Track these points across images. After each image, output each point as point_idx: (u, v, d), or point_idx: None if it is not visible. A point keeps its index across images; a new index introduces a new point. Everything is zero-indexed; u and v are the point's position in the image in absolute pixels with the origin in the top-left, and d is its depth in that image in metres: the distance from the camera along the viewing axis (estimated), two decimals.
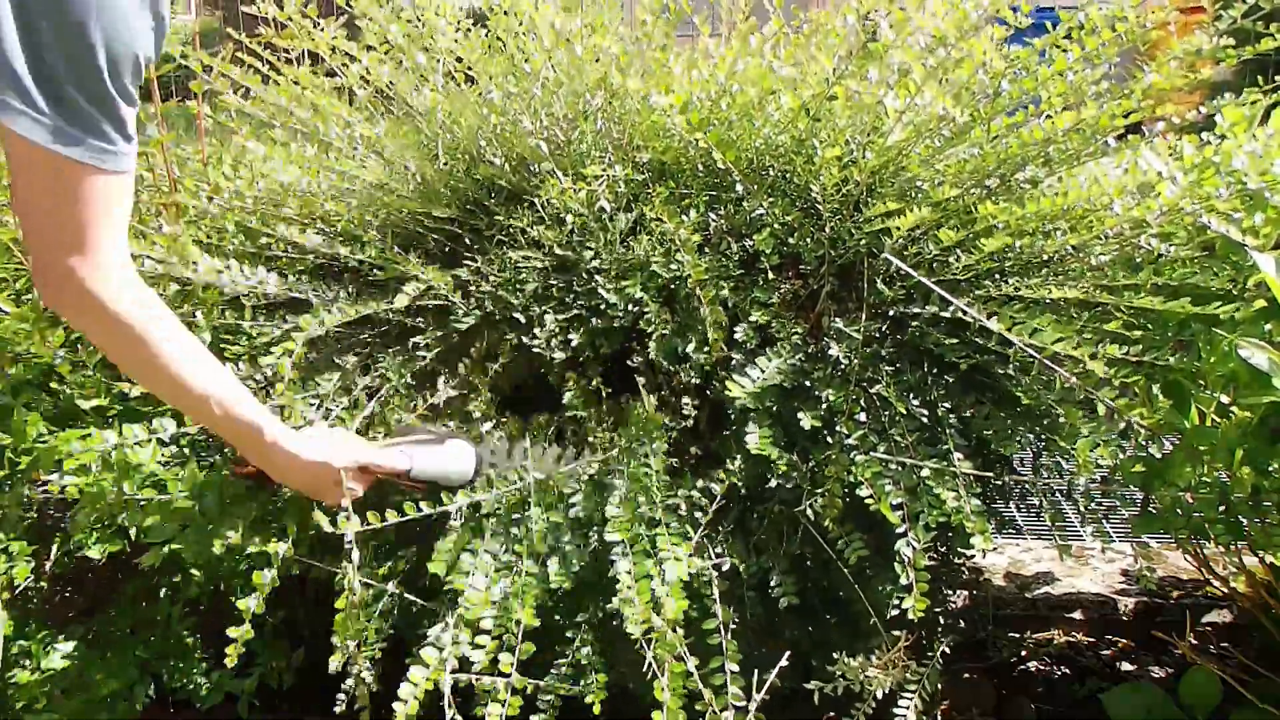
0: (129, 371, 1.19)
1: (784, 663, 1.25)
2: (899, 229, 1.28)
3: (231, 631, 1.24)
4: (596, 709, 1.24)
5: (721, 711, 1.15)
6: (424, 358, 1.46)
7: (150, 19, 0.94)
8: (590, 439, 1.36)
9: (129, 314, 1.01)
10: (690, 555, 1.25)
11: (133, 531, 1.51)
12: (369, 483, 1.25)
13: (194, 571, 1.55)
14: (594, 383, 1.39)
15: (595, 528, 1.29)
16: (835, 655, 1.31)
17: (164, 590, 1.61)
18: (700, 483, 1.34)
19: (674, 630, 1.16)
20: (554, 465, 1.34)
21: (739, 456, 1.32)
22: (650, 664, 1.15)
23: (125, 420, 1.48)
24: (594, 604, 1.33)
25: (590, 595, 1.33)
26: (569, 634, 1.32)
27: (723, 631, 1.22)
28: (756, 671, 1.22)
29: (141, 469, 1.37)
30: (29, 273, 1.66)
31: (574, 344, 1.38)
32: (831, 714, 1.42)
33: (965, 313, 1.26)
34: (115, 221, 0.98)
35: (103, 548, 1.51)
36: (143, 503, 1.37)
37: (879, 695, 1.28)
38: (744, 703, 1.17)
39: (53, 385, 1.57)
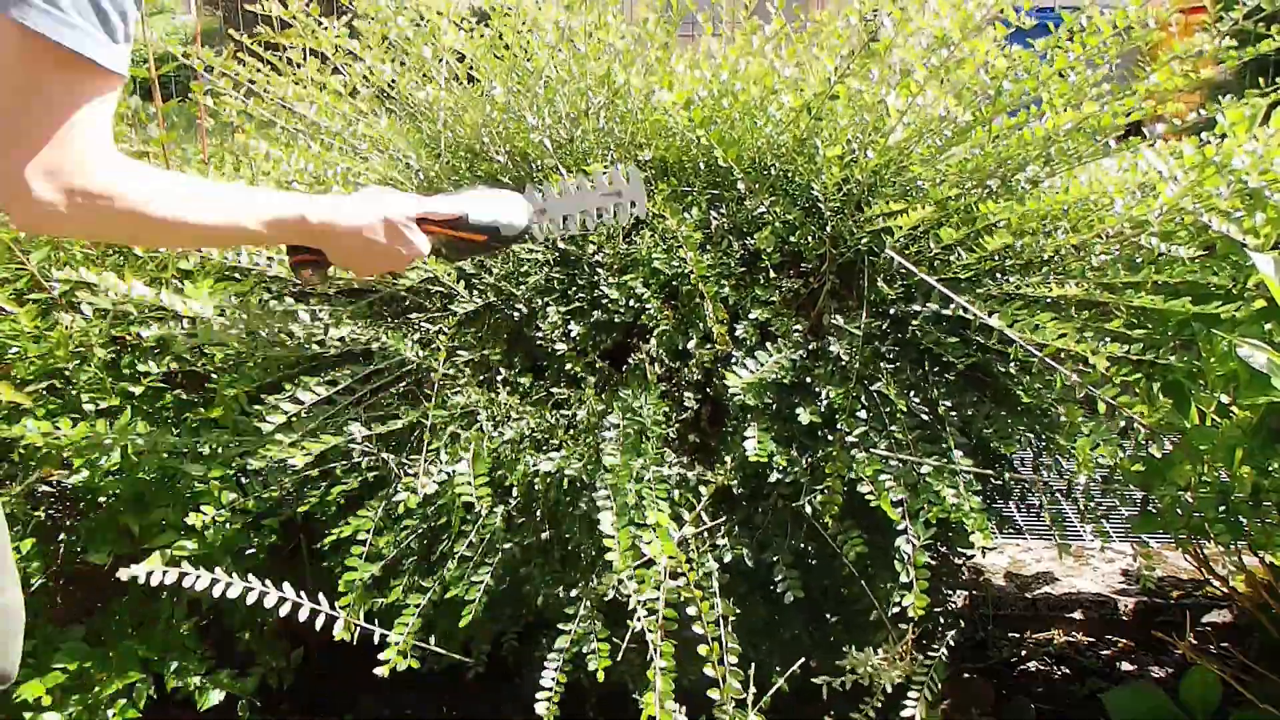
0: (147, 242, 1.13)
1: (784, 662, 1.25)
2: (900, 227, 1.28)
3: None
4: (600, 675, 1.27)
5: (723, 707, 1.16)
6: (427, 329, 1.46)
7: None
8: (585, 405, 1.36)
9: (113, 191, 0.94)
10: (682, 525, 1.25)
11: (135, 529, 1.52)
12: (433, 237, 1.18)
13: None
14: (595, 363, 1.39)
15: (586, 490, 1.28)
16: (837, 653, 1.31)
17: (165, 590, 1.61)
18: (698, 469, 1.34)
19: (658, 587, 1.16)
20: (595, 194, 1.27)
21: (736, 453, 1.32)
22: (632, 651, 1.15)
23: (132, 418, 1.48)
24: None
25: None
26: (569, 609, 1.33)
27: (723, 624, 1.22)
28: (755, 668, 1.22)
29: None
30: (29, 273, 1.66)
31: (575, 335, 1.39)
32: (831, 715, 1.42)
33: (967, 310, 1.26)
34: (103, 122, 0.93)
35: (107, 550, 1.52)
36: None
37: (887, 690, 1.28)
38: (744, 696, 1.17)
39: (58, 384, 1.57)
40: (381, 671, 1.30)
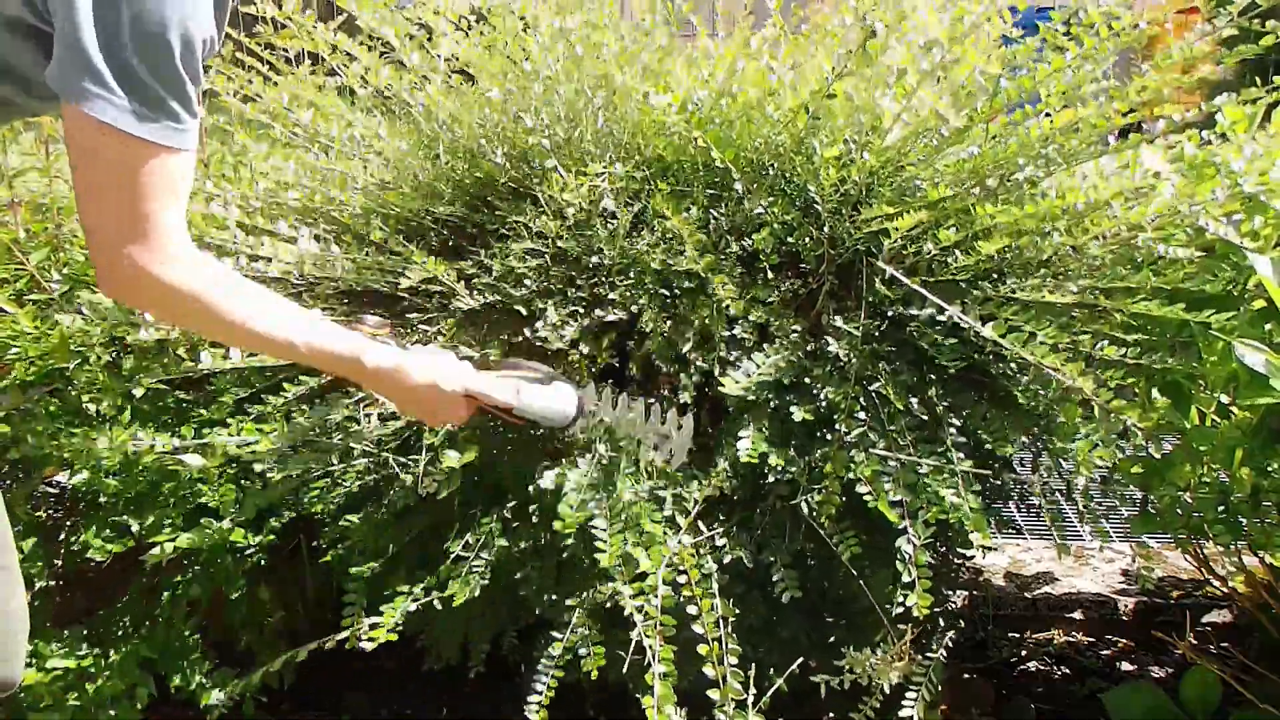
0: (210, 338, 1.19)
1: (783, 662, 1.25)
2: (896, 230, 1.28)
3: None
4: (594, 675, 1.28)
5: (724, 708, 1.16)
6: (425, 330, 1.46)
7: (220, 5, 0.95)
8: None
9: (192, 287, 1.00)
10: (680, 535, 1.25)
11: (135, 527, 1.52)
12: (473, 409, 1.23)
13: (196, 570, 1.55)
14: (596, 357, 1.40)
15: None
16: (836, 654, 1.31)
17: (166, 590, 1.61)
18: (695, 483, 1.35)
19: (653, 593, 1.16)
20: (646, 424, 1.34)
21: (731, 454, 1.32)
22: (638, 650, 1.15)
23: (133, 421, 1.48)
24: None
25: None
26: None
27: (723, 625, 1.22)
28: (754, 668, 1.22)
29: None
30: (29, 273, 1.67)
31: (572, 337, 1.39)
32: (831, 715, 1.42)
33: (961, 319, 1.26)
34: (179, 201, 0.98)
35: (106, 549, 1.52)
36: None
37: (885, 690, 1.28)
38: (744, 696, 1.17)
39: (59, 385, 1.58)
40: (367, 647, 1.32)
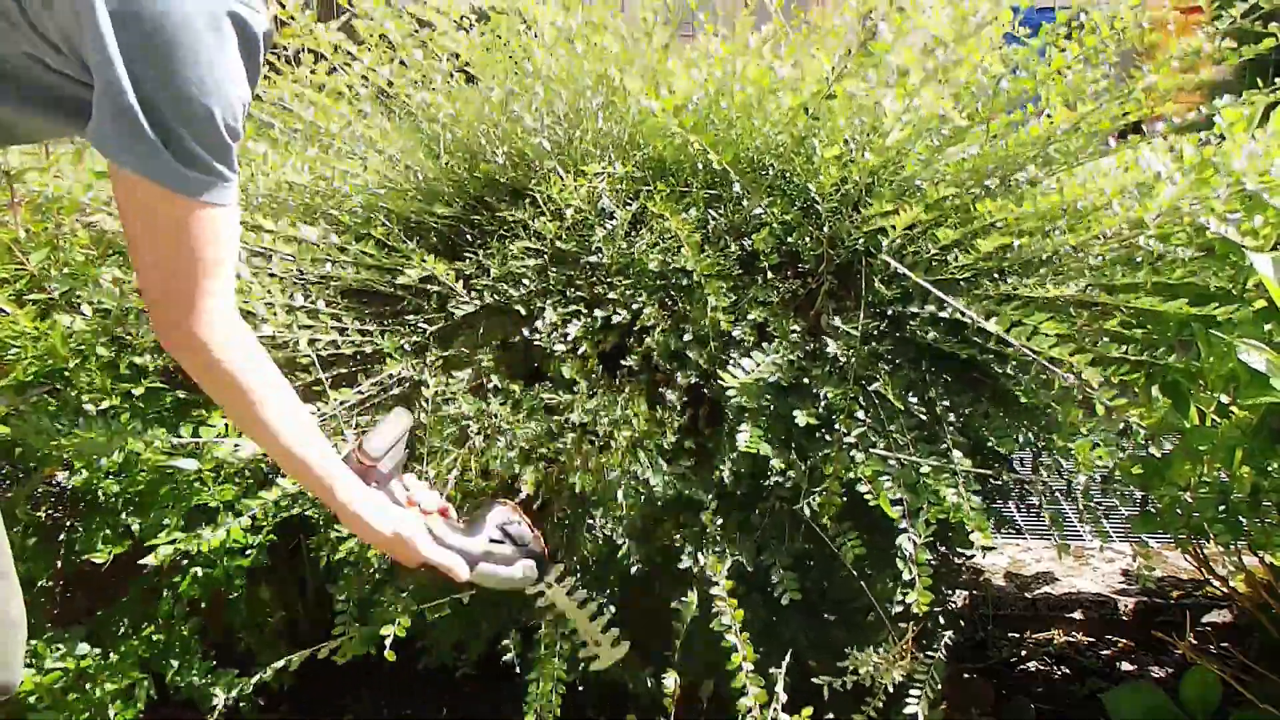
0: (226, 412, 1.22)
1: (786, 662, 1.25)
2: (895, 228, 1.28)
3: None
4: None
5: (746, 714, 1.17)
6: (423, 330, 1.46)
7: (254, 63, 0.96)
8: (573, 414, 1.37)
9: (233, 365, 1.03)
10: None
11: (134, 527, 1.52)
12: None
13: (195, 571, 1.55)
14: (589, 363, 1.40)
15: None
16: (836, 654, 1.31)
17: (166, 590, 1.61)
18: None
19: None
20: (590, 623, 1.37)
21: (733, 454, 1.32)
22: None
23: (132, 420, 1.48)
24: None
25: None
26: None
27: (736, 630, 1.23)
28: (755, 669, 1.22)
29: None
30: (29, 273, 1.67)
31: (572, 336, 1.39)
32: (830, 716, 1.42)
33: (963, 314, 1.26)
34: (225, 257, 1.00)
35: (107, 550, 1.52)
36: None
37: (889, 689, 1.28)
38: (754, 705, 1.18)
39: (57, 385, 1.58)
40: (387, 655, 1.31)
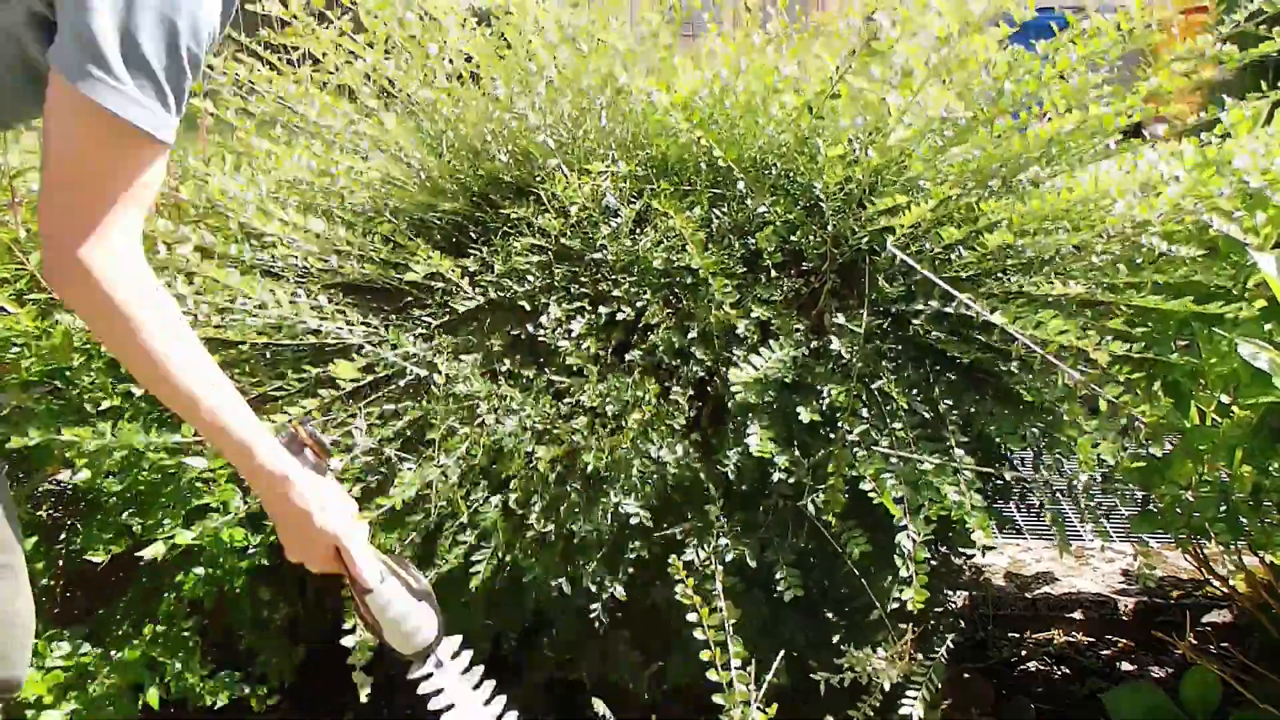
0: (120, 357, 1.06)
1: (784, 661, 1.25)
2: (902, 225, 1.29)
3: None
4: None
5: (730, 712, 1.16)
6: (428, 324, 1.47)
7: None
8: (583, 396, 1.37)
9: (124, 294, 0.94)
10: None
11: (135, 528, 1.51)
12: (330, 566, 1.12)
13: (196, 570, 1.55)
14: (598, 355, 1.40)
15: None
16: (836, 652, 1.31)
17: (166, 590, 1.61)
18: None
19: None
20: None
21: (738, 450, 1.33)
22: None
23: (133, 419, 1.48)
24: None
25: None
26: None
27: (727, 628, 1.22)
28: (754, 665, 1.22)
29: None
30: (29, 273, 1.66)
31: (577, 333, 1.39)
32: (831, 715, 1.42)
33: (969, 307, 1.26)
34: (146, 197, 0.95)
35: (107, 549, 1.51)
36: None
37: (885, 688, 1.28)
38: (749, 700, 1.18)
39: (59, 384, 1.57)
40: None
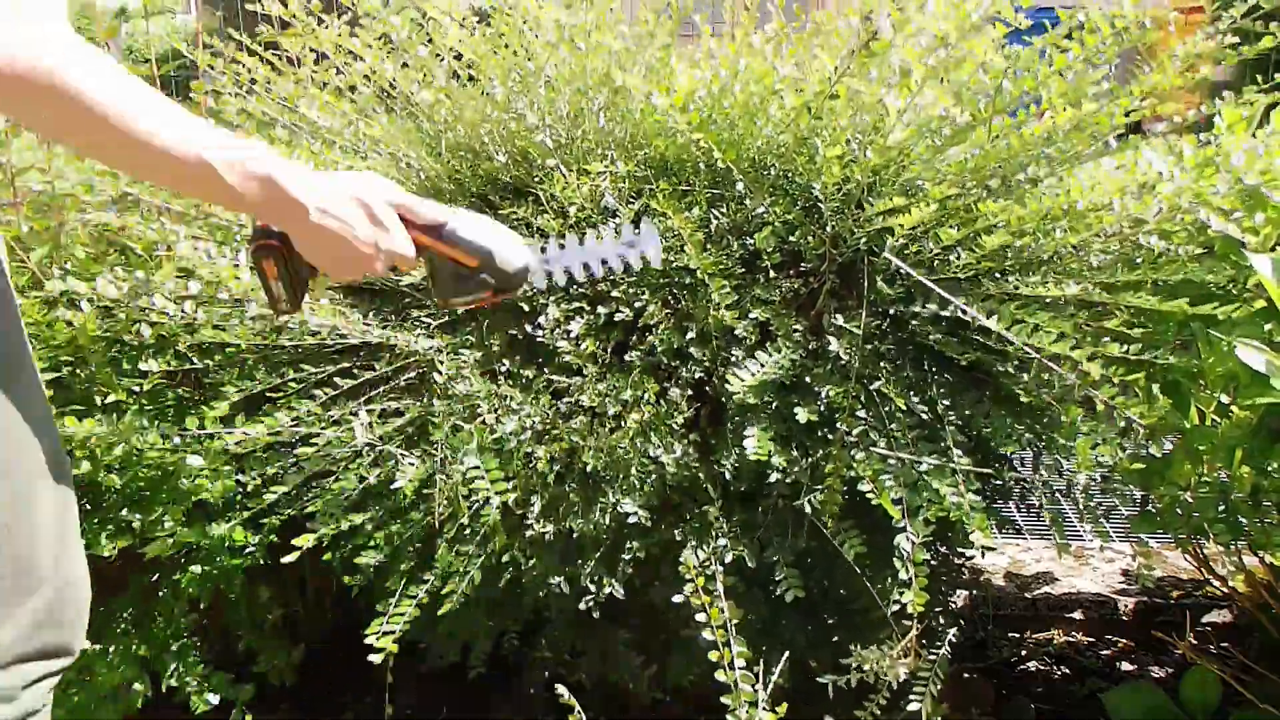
0: (61, 135, 0.86)
1: (785, 662, 1.25)
2: (901, 227, 1.29)
3: None
4: None
5: (735, 712, 1.16)
6: (427, 324, 1.47)
7: None
8: (582, 396, 1.37)
9: (39, 49, 0.76)
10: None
11: (136, 524, 1.52)
12: (409, 244, 0.99)
13: (194, 569, 1.55)
14: (597, 354, 1.40)
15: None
16: (837, 652, 1.31)
17: (165, 588, 1.61)
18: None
19: None
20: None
21: (736, 450, 1.33)
22: None
23: (136, 414, 1.48)
24: None
25: None
26: None
27: (730, 628, 1.22)
28: (753, 666, 1.22)
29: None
30: (30, 270, 1.67)
31: (576, 333, 1.39)
32: (831, 716, 1.42)
33: (965, 312, 1.26)
34: None
35: (112, 544, 1.52)
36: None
37: (893, 687, 1.28)
38: (754, 700, 1.18)
39: (62, 377, 1.57)
40: (375, 659, 1.30)
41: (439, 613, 1.36)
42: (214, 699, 1.61)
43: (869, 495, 1.26)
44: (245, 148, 0.87)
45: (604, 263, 1.19)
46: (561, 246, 1.18)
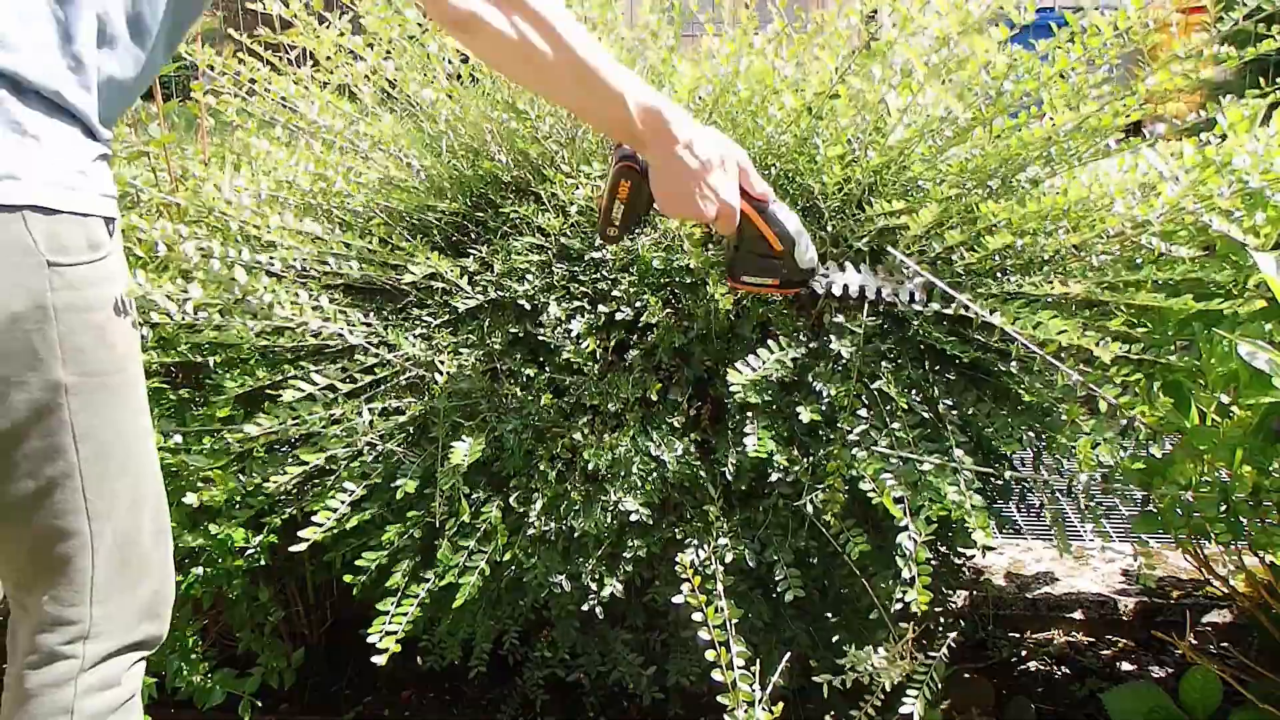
0: (521, 54, 1.00)
1: (785, 662, 1.25)
2: (907, 228, 1.29)
3: None
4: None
5: (734, 713, 1.16)
6: (428, 323, 1.47)
7: None
8: (583, 394, 1.37)
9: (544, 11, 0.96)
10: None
11: None
12: (739, 204, 1.12)
13: (197, 570, 1.55)
14: (597, 352, 1.40)
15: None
16: (836, 652, 1.31)
17: None
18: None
19: None
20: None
21: (737, 449, 1.33)
22: None
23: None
24: None
25: None
26: None
27: (729, 628, 1.22)
28: (753, 666, 1.22)
29: None
30: None
31: (577, 332, 1.39)
32: (831, 714, 1.42)
33: (969, 309, 1.26)
34: None
35: None
36: None
37: (887, 688, 1.28)
38: (753, 700, 1.18)
39: None
40: (379, 660, 1.29)
41: (453, 605, 1.36)
42: (219, 695, 1.62)
43: (870, 494, 1.26)
44: (644, 86, 1.05)
45: (878, 290, 1.30)
46: (841, 268, 1.31)
